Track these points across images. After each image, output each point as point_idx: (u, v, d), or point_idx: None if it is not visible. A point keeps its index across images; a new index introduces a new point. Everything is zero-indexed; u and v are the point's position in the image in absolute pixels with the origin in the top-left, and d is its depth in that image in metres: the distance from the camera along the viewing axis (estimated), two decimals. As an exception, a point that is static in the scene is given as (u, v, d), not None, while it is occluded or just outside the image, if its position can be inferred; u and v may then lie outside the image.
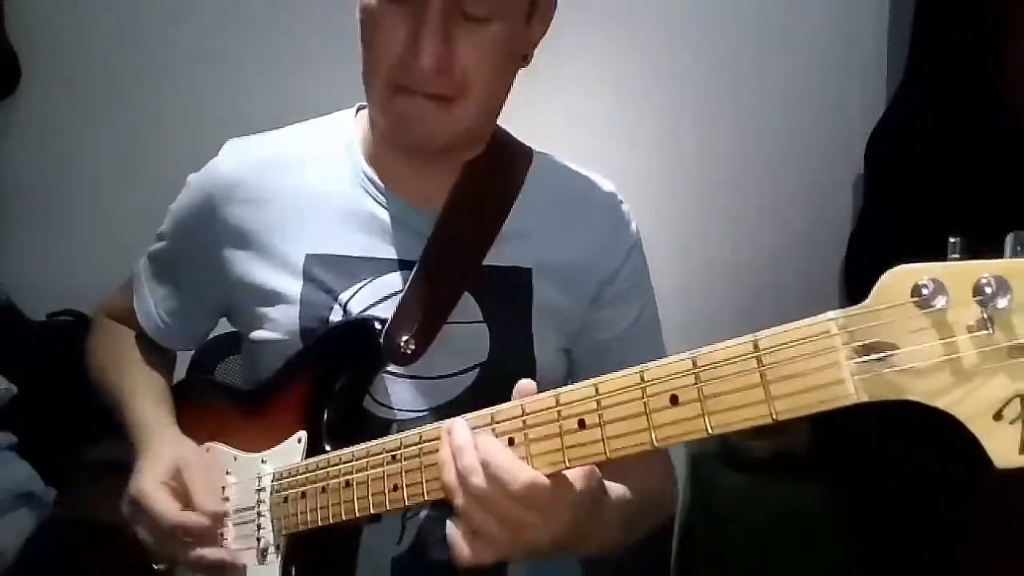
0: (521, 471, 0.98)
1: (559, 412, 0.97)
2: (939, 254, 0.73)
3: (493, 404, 1.05)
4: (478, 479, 0.99)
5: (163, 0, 3.15)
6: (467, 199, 1.41)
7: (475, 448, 1.01)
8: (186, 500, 1.33)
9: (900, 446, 2.74)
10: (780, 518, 2.88)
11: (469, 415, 1.06)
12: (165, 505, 1.31)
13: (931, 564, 2.62)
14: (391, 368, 1.35)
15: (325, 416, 1.32)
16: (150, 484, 1.33)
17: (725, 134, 3.23)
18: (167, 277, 1.54)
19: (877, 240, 2.85)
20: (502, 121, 1.48)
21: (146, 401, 1.49)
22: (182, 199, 1.50)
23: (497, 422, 1.03)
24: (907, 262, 0.74)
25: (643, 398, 0.89)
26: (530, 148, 1.53)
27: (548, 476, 0.99)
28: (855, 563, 2.84)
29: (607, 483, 1.13)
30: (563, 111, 3.08)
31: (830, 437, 2.99)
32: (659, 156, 3.22)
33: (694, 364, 0.86)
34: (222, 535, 1.37)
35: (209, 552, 1.32)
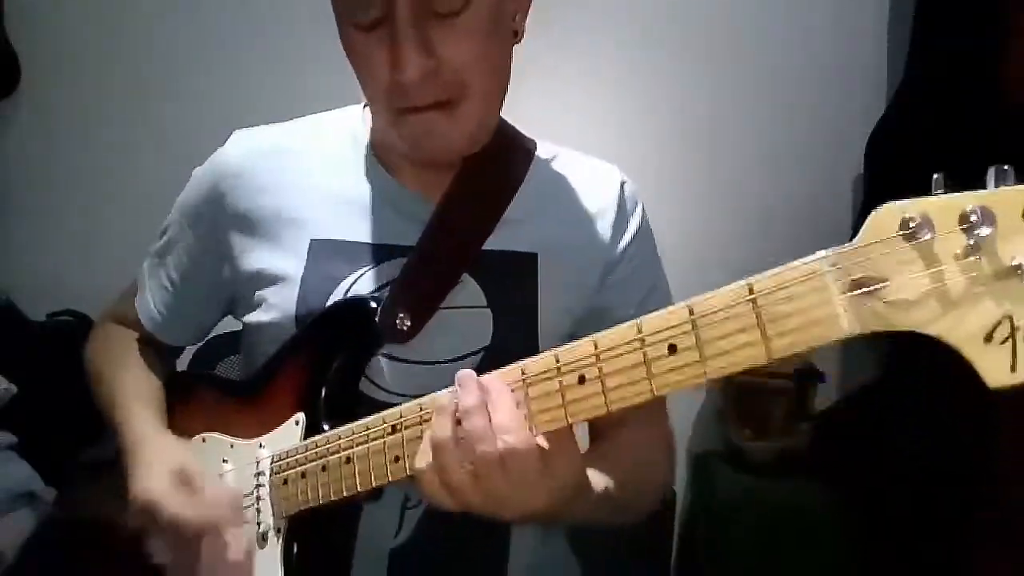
0: (520, 430, 1.00)
1: (559, 369, 0.98)
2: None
3: None
4: (476, 423, 1.01)
5: (163, 1, 3.16)
6: (468, 186, 1.41)
7: (485, 407, 1.02)
8: (196, 502, 1.31)
9: (900, 446, 2.74)
10: (781, 518, 2.88)
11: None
12: (181, 507, 1.30)
13: (931, 564, 2.61)
14: (394, 354, 1.35)
15: (322, 396, 1.32)
16: (158, 490, 1.32)
17: (725, 134, 3.24)
18: (168, 269, 1.54)
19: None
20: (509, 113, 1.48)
21: (137, 409, 1.48)
22: (188, 189, 1.51)
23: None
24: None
25: (642, 347, 0.90)
26: (533, 140, 1.53)
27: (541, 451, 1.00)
28: (855, 563, 2.83)
29: (592, 473, 1.16)
30: (563, 112, 3.08)
31: (830, 437, 3.00)
32: (659, 156, 3.22)
33: (691, 312, 0.87)
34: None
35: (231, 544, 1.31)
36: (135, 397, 1.50)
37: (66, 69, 3.18)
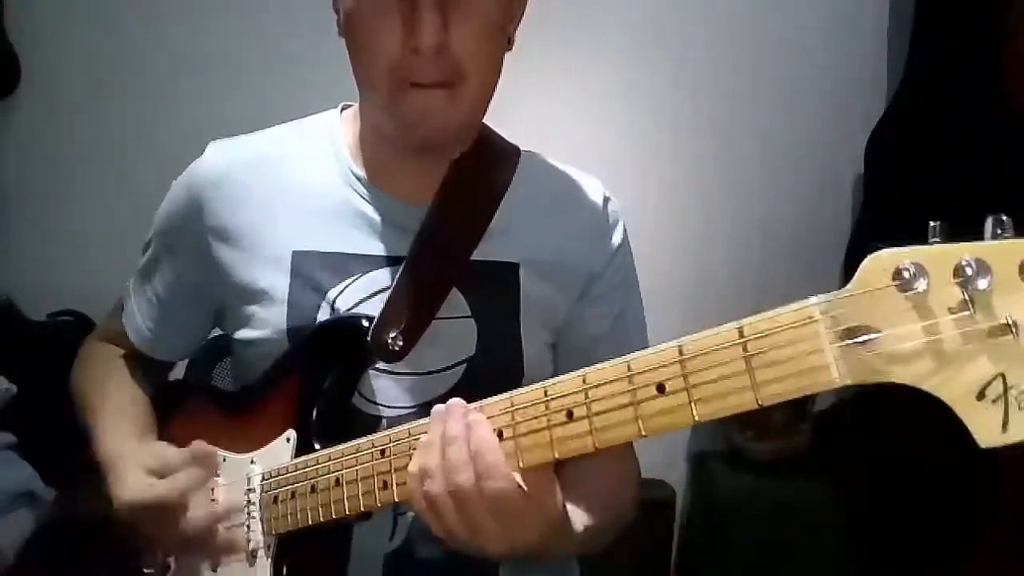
0: (503, 470, 0.99)
1: (547, 404, 0.97)
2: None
3: (481, 399, 1.05)
4: (459, 468, 1.01)
5: (163, 1, 3.16)
6: (455, 196, 1.41)
7: (467, 441, 1.01)
8: (172, 480, 1.31)
9: (900, 446, 2.74)
10: (781, 518, 2.88)
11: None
12: (159, 490, 1.30)
13: (931, 564, 2.62)
14: (382, 365, 1.35)
15: (314, 415, 1.31)
16: (133, 489, 1.32)
17: (725, 134, 3.24)
18: (153, 284, 1.52)
19: (877, 240, 2.85)
20: (502, 124, 1.48)
21: (112, 427, 1.47)
22: (167, 202, 1.50)
23: (486, 416, 1.03)
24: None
25: (630, 387, 0.90)
26: (517, 147, 1.53)
27: (526, 489, 1.00)
28: (855, 563, 2.84)
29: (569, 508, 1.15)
30: (563, 112, 3.09)
31: (830, 437, 3.00)
32: (659, 157, 3.22)
33: (680, 352, 0.86)
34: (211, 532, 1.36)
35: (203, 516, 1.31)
36: (115, 415, 1.49)
37: (66, 69, 3.17)
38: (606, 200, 1.52)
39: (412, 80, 1.26)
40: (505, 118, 1.47)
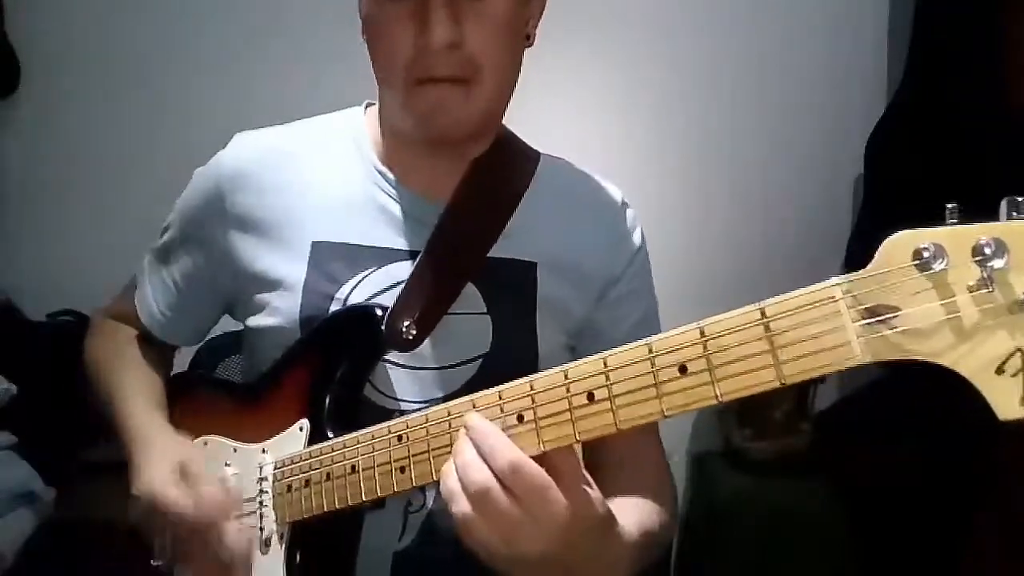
0: (509, 449, 0.98)
1: (568, 387, 0.97)
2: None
3: None
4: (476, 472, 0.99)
5: (163, 1, 3.16)
6: (474, 193, 1.41)
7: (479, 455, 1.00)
8: (196, 494, 1.30)
9: (900, 446, 2.75)
10: (781, 518, 2.89)
11: (477, 394, 1.06)
12: (180, 500, 1.29)
13: (931, 564, 2.62)
14: (395, 358, 1.35)
15: (327, 404, 1.32)
16: (159, 482, 1.31)
17: (725, 134, 3.25)
18: (169, 269, 1.53)
19: (877, 240, 2.86)
20: (505, 121, 1.49)
21: (140, 404, 1.48)
22: (189, 190, 1.50)
23: (505, 400, 1.03)
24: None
25: (652, 368, 0.90)
26: (537, 151, 1.54)
27: (552, 473, 0.98)
28: (855, 563, 2.84)
29: (619, 519, 1.10)
30: (563, 113, 3.09)
31: (830, 437, 3.00)
32: (660, 157, 3.23)
33: (701, 333, 0.87)
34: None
35: (227, 540, 1.30)
36: (136, 393, 1.50)
37: (66, 69, 3.17)
38: (624, 206, 1.53)
39: (426, 76, 1.27)
40: (507, 118, 1.47)
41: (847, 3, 3.21)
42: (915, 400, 2.68)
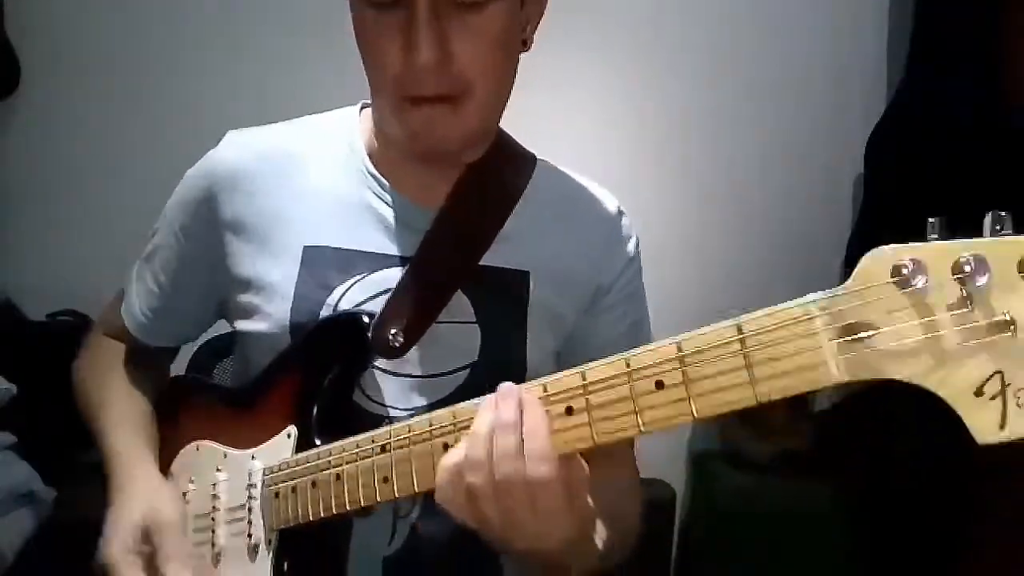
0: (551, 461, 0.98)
1: (547, 399, 0.98)
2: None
3: None
4: (509, 457, 0.99)
5: (163, 1, 3.16)
6: (467, 199, 1.40)
7: (518, 428, 1.00)
8: (154, 567, 1.31)
9: (900, 446, 2.75)
10: (781, 518, 2.89)
11: (458, 406, 1.06)
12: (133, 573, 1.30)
13: (931, 564, 2.62)
14: (384, 366, 1.34)
15: (315, 410, 1.31)
16: (119, 552, 1.31)
17: (725, 134, 3.24)
18: (155, 270, 1.52)
19: (877, 240, 2.85)
20: (502, 122, 1.47)
21: (122, 435, 1.46)
22: (180, 190, 1.48)
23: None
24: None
25: (629, 382, 0.90)
26: (533, 155, 1.52)
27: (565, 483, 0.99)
28: (855, 563, 2.84)
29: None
30: (563, 112, 3.09)
31: (830, 437, 3.00)
32: (659, 157, 3.23)
33: (679, 349, 0.86)
34: (213, 532, 1.36)
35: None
36: (119, 423, 1.48)
37: (66, 69, 3.17)
38: (620, 213, 1.51)
39: (414, 95, 1.24)
40: (504, 118, 1.46)
41: (847, 3, 3.20)
42: (914, 400, 2.68)
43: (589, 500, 1.07)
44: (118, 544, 1.32)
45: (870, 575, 2.86)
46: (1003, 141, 2.58)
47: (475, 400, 1.05)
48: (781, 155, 3.23)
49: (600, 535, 1.22)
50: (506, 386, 1.03)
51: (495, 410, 1.01)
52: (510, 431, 0.99)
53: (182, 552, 1.33)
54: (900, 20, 3.09)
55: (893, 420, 2.78)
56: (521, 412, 1.00)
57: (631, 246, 1.50)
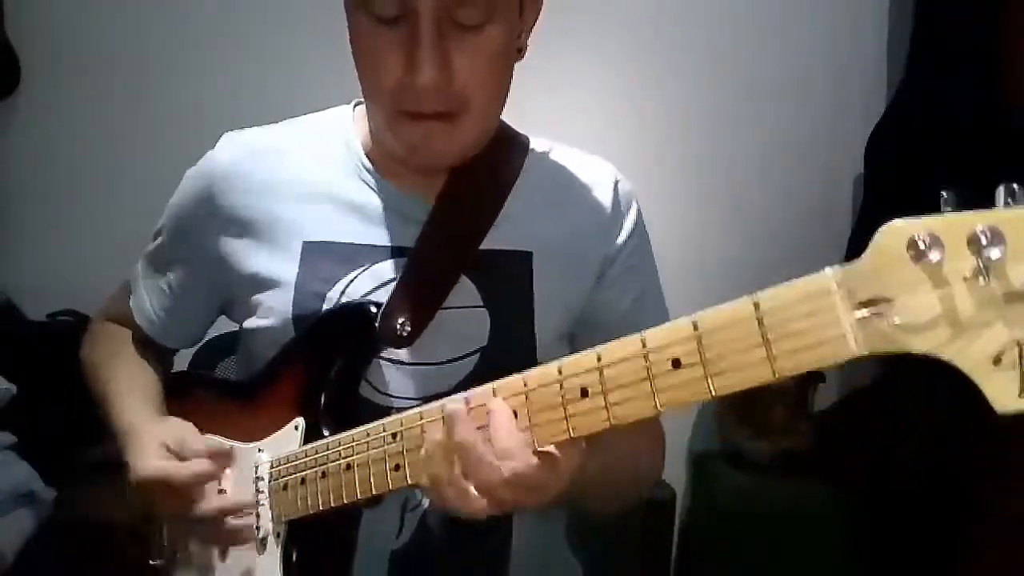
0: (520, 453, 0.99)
1: (561, 382, 0.97)
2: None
3: None
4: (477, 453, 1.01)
5: (163, 1, 3.16)
6: (463, 186, 1.40)
7: (480, 440, 1.02)
8: (186, 458, 1.33)
9: (900, 446, 2.75)
10: (781, 518, 2.89)
11: (471, 392, 1.06)
12: (170, 467, 1.31)
13: (930, 564, 2.62)
14: (391, 356, 1.34)
15: (322, 402, 1.32)
16: (147, 463, 1.33)
17: (725, 134, 3.25)
18: (163, 271, 1.53)
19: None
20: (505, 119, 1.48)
21: (134, 400, 1.48)
22: (179, 192, 1.50)
23: (499, 396, 1.03)
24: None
25: (645, 363, 0.89)
26: (526, 136, 1.52)
27: (543, 458, 1.00)
28: (855, 563, 2.84)
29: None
30: (563, 112, 3.08)
31: (830, 437, 3.00)
32: (659, 156, 3.23)
33: (695, 327, 0.86)
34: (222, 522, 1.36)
35: (218, 501, 1.33)
36: (130, 391, 1.50)
37: (66, 69, 3.17)
38: (617, 182, 1.50)
39: (411, 110, 1.25)
40: (504, 116, 1.46)
41: (847, 3, 3.21)
42: (914, 400, 2.68)
43: (577, 466, 1.05)
44: (147, 459, 1.34)
45: (870, 575, 2.86)
46: (1003, 141, 2.58)
47: (488, 385, 1.05)
48: (781, 155, 3.23)
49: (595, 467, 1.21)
50: (451, 409, 1.04)
51: (447, 437, 1.04)
52: (476, 445, 1.01)
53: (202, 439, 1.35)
54: (900, 20, 3.10)
55: (893, 420, 2.79)
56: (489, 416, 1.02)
57: (632, 213, 1.50)
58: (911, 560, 2.69)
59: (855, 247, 2.59)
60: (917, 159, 2.82)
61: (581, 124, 3.13)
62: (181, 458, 1.33)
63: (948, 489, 2.59)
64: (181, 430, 1.37)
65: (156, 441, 1.35)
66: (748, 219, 3.25)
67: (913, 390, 2.68)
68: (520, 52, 1.36)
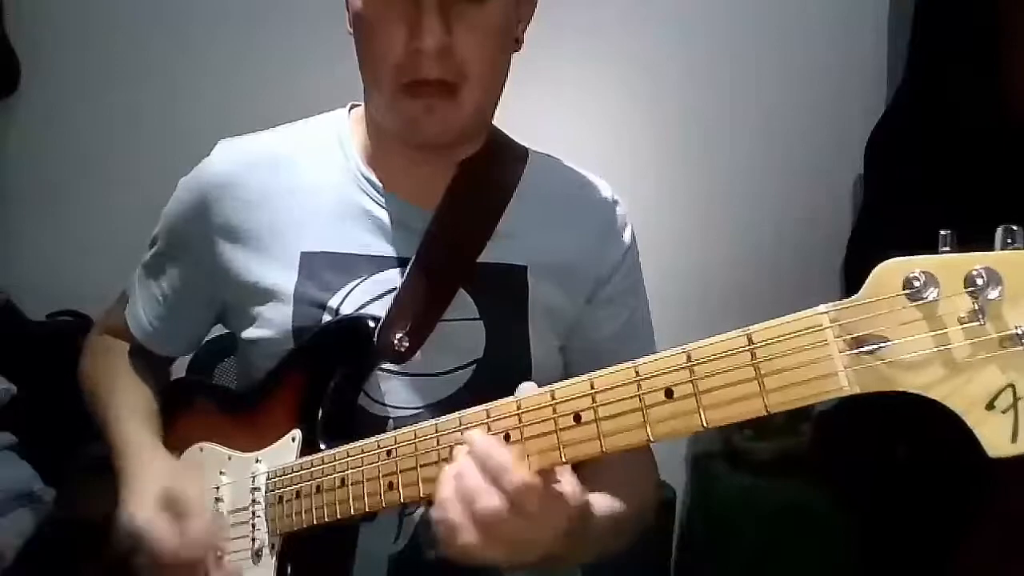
0: (518, 471, 0.98)
1: (554, 408, 0.97)
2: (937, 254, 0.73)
3: (488, 401, 1.05)
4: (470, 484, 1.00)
5: (163, 1, 3.16)
6: (462, 197, 1.41)
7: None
8: (182, 525, 1.31)
9: (900, 447, 2.75)
10: (781, 518, 2.88)
11: (465, 412, 1.06)
12: (164, 536, 1.29)
13: (930, 564, 2.62)
14: (387, 366, 1.35)
15: (319, 415, 1.31)
16: (143, 516, 1.32)
17: (725, 134, 3.24)
18: (158, 280, 1.53)
19: (877, 240, 2.85)
20: (501, 122, 1.48)
21: (132, 425, 1.48)
22: (174, 201, 1.49)
23: (492, 418, 1.03)
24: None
25: (638, 392, 0.89)
26: (526, 148, 1.53)
27: (542, 482, 0.99)
28: (855, 563, 2.84)
29: (592, 496, 1.12)
30: (562, 112, 3.09)
31: (830, 437, 3.00)
32: (659, 156, 3.22)
33: (688, 358, 0.86)
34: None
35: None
36: (128, 414, 1.50)
37: (66, 69, 3.17)
38: (614, 202, 1.52)
39: (415, 78, 1.26)
40: (503, 117, 1.47)
41: (847, 3, 3.20)
42: (914, 400, 2.68)
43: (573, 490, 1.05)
44: (142, 509, 1.32)
45: (870, 575, 2.86)
46: (1003, 141, 2.58)
47: (482, 406, 1.05)
48: (781, 156, 3.23)
49: (605, 509, 1.23)
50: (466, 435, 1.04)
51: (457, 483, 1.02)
52: (482, 495, 0.99)
53: (202, 505, 1.34)
54: (900, 20, 3.09)
55: (893, 420, 2.78)
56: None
57: (627, 235, 1.52)
58: (910, 560, 2.69)
59: (855, 247, 2.58)
60: (917, 159, 2.82)
61: (581, 124, 3.13)
62: (177, 514, 1.31)
63: (948, 490, 2.58)
64: (178, 481, 1.36)
65: (153, 488, 1.34)
66: (748, 220, 3.24)
67: (921, 399, 2.68)
68: (518, 42, 1.38)
